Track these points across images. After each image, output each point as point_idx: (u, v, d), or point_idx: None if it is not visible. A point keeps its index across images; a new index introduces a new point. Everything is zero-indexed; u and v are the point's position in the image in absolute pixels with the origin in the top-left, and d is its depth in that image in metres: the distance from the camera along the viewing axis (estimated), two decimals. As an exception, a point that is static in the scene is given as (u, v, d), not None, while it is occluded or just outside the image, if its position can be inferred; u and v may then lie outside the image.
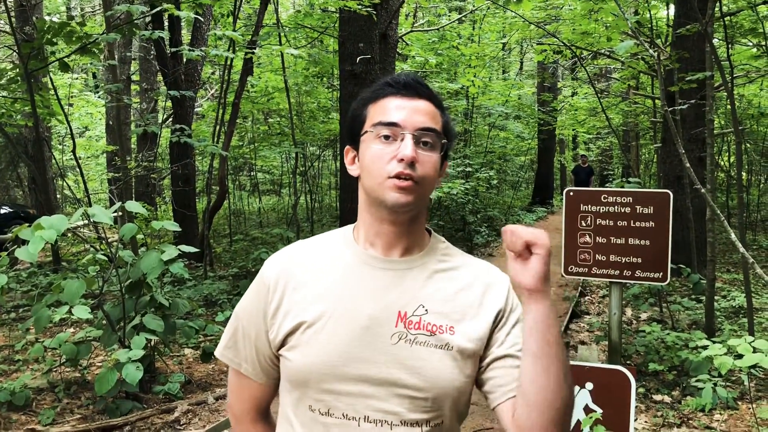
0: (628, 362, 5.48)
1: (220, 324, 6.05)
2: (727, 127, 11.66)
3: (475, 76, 11.80)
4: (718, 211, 4.16)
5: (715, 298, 7.16)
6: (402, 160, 1.16)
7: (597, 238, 5.00)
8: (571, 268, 5.11)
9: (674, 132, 5.07)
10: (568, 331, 6.70)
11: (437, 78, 12.49)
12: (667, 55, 7.34)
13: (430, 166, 1.20)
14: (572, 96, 20.27)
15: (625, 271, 4.94)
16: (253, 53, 8.33)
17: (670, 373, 5.08)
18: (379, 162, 1.19)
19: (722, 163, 13.65)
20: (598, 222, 5.02)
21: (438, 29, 11.44)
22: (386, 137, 1.20)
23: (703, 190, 4.48)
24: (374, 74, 7.96)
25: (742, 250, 3.66)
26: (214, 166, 9.93)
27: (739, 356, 3.09)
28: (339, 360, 1.17)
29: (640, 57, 8.84)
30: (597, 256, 5.02)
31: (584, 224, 5.06)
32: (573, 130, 23.00)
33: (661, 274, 4.93)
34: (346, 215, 8.46)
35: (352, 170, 1.30)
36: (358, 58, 7.61)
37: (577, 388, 3.47)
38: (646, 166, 19.15)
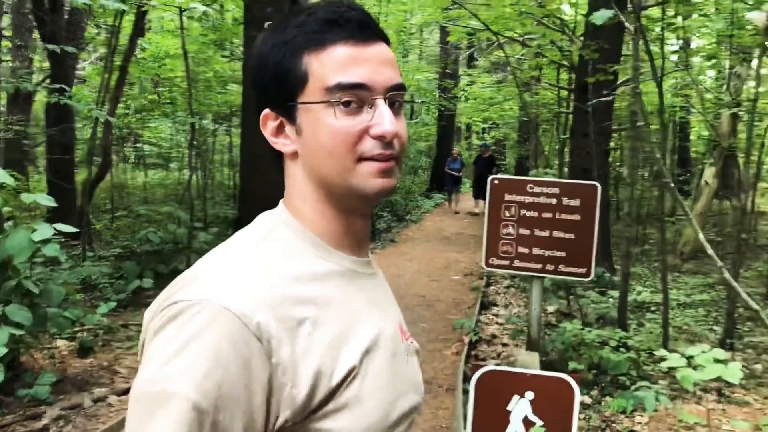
0: (543, 358, 5.29)
1: (102, 315, 5.34)
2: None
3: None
4: (683, 202, 3.96)
5: (612, 292, 7.19)
6: (382, 136, 0.87)
7: (520, 229, 4.75)
8: (493, 260, 4.84)
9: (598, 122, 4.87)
10: (478, 323, 6.46)
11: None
12: (582, 46, 7.25)
13: (405, 134, 0.92)
14: (470, 85, 20.37)
15: (547, 265, 4.72)
16: (145, 9, 7.49)
17: (590, 372, 4.91)
18: (344, 140, 0.87)
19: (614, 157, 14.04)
20: (522, 213, 4.77)
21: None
22: (346, 103, 0.86)
23: (671, 185, 4.27)
24: (283, 43, 7.37)
25: (710, 252, 3.48)
26: (97, 135, 8.97)
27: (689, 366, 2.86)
28: (389, 406, 0.89)
29: (557, 47, 8.75)
30: (520, 248, 4.77)
31: (508, 214, 4.79)
32: (470, 118, 23.20)
33: (585, 269, 4.74)
34: (247, 195, 7.84)
35: (281, 145, 0.94)
36: (266, 24, 6.97)
37: (516, 397, 3.15)
38: (548, 158, 19.50)
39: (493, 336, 6.17)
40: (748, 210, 10.78)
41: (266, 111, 0.93)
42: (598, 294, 7.14)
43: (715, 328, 6.52)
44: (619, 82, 8.81)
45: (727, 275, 3.31)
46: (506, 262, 4.80)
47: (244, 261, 0.86)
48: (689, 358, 2.71)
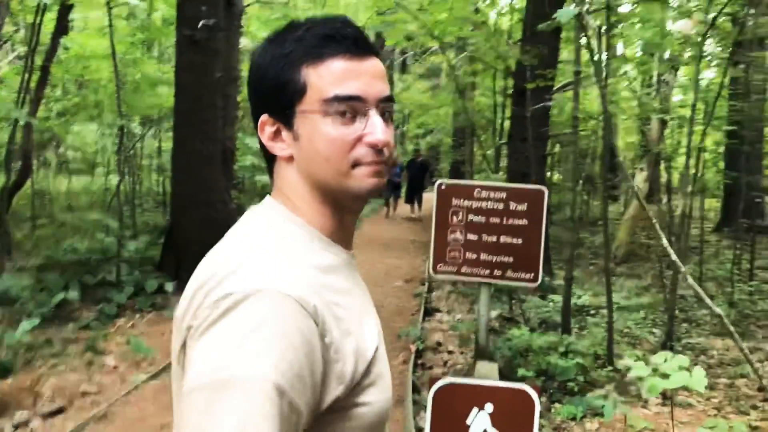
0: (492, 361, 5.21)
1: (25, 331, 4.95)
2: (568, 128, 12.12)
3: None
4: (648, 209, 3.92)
5: (552, 297, 7.23)
6: (375, 145, 0.96)
7: (468, 235, 4.66)
8: (440, 267, 4.73)
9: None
10: (422, 329, 6.34)
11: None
12: (523, 51, 7.27)
13: (393, 142, 1.02)
14: (403, 91, 20.40)
15: (495, 271, 4.64)
16: (70, 4, 7.08)
17: (538, 378, 4.86)
18: (340, 148, 0.96)
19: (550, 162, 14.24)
20: (469, 218, 4.68)
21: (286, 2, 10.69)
22: (342, 113, 0.95)
23: (636, 189, 4.24)
24: (218, 42, 7.11)
25: (675, 260, 3.44)
26: (16, 138, 8.42)
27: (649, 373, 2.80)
28: (390, 384, 1.03)
29: (496, 52, 8.76)
30: (467, 254, 4.68)
31: (455, 220, 4.69)
32: (405, 124, 23.24)
33: (533, 275, 4.69)
34: (179, 200, 7.52)
35: (277, 149, 1.02)
36: (200, 23, 6.70)
37: (475, 409, 3.03)
38: (481, 163, 19.70)
39: (438, 343, 6.07)
40: (677, 213, 11.13)
41: (264, 117, 1.01)
42: (539, 298, 7.15)
43: (654, 330, 6.61)
44: (555, 87, 8.90)
45: (690, 281, 3.29)
46: (454, 269, 4.69)
47: (275, 252, 0.92)
48: (645, 363, 2.64)
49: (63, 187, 15.55)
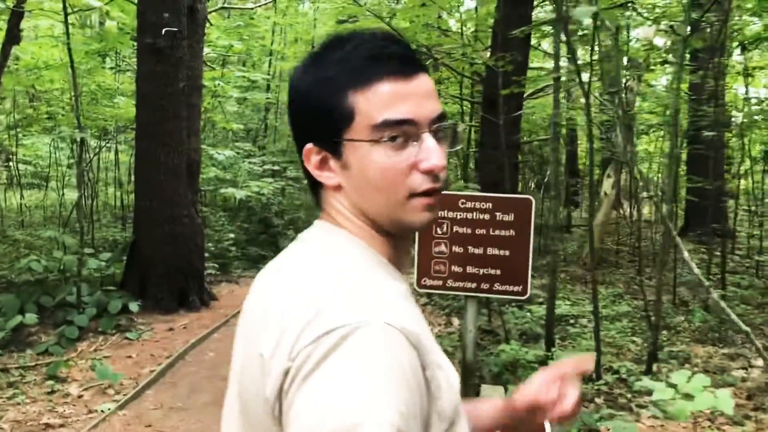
0: (482, 383, 5.03)
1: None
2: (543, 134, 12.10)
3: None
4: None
5: (530, 307, 7.11)
6: (431, 171, 0.90)
7: (453, 247, 4.51)
8: (425, 281, 4.59)
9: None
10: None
11: (240, 67, 11.46)
12: (496, 57, 7.15)
13: (445, 162, 0.94)
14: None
15: (482, 284, 4.50)
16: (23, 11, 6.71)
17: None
18: (394, 178, 0.89)
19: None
20: (455, 229, 4.53)
21: (253, 9, 10.42)
22: (393, 138, 0.88)
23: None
24: (181, 51, 6.81)
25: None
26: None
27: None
28: None
29: (466, 59, 8.65)
30: (453, 267, 4.53)
31: (440, 232, 4.54)
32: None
33: (521, 287, 4.56)
34: (143, 215, 7.18)
35: (325, 178, 0.95)
36: (163, 30, 6.41)
37: None
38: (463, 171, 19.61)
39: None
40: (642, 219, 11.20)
41: (309, 146, 0.94)
42: (517, 308, 7.03)
43: (635, 339, 6.53)
44: (526, 94, 8.83)
45: (715, 296, 3.18)
46: (439, 282, 4.54)
47: (362, 279, 0.86)
48: (674, 386, 2.49)
49: (14, 202, 14.92)
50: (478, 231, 4.49)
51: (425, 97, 0.91)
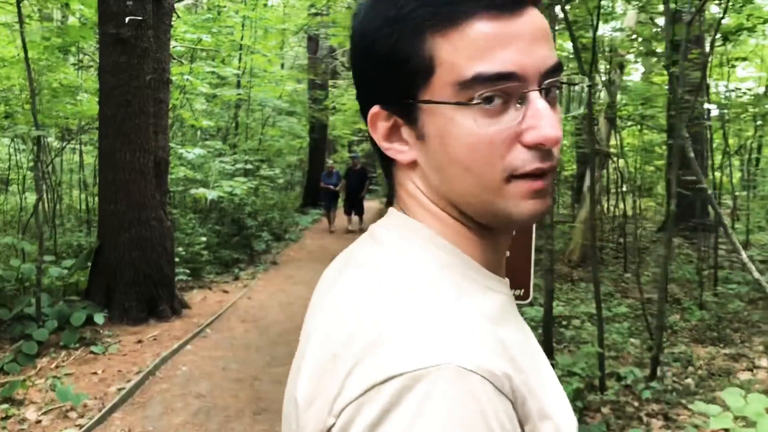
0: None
1: None
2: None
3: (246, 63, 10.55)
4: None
5: (525, 308, 6.80)
6: (541, 144, 0.66)
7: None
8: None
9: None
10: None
11: (209, 62, 10.98)
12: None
13: (561, 132, 0.67)
14: (340, 96, 19.83)
15: (481, 289, 4.13)
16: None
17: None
18: (488, 154, 0.66)
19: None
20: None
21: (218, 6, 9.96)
22: (488, 99, 0.64)
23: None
24: (147, 41, 6.35)
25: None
26: None
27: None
28: None
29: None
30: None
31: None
32: (336, 130, 22.62)
33: (523, 291, 4.21)
34: (107, 218, 6.70)
35: (394, 151, 0.72)
36: (127, 19, 5.95)
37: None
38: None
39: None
40: (629, 214, 10.97)
41: (375, 109, 0.72)
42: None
43: (632, 340, 6.24)
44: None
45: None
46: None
47: (436, 300, 0.63)
48: (728, 409, 2.16)
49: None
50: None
51: (535, 41, 0.66)
